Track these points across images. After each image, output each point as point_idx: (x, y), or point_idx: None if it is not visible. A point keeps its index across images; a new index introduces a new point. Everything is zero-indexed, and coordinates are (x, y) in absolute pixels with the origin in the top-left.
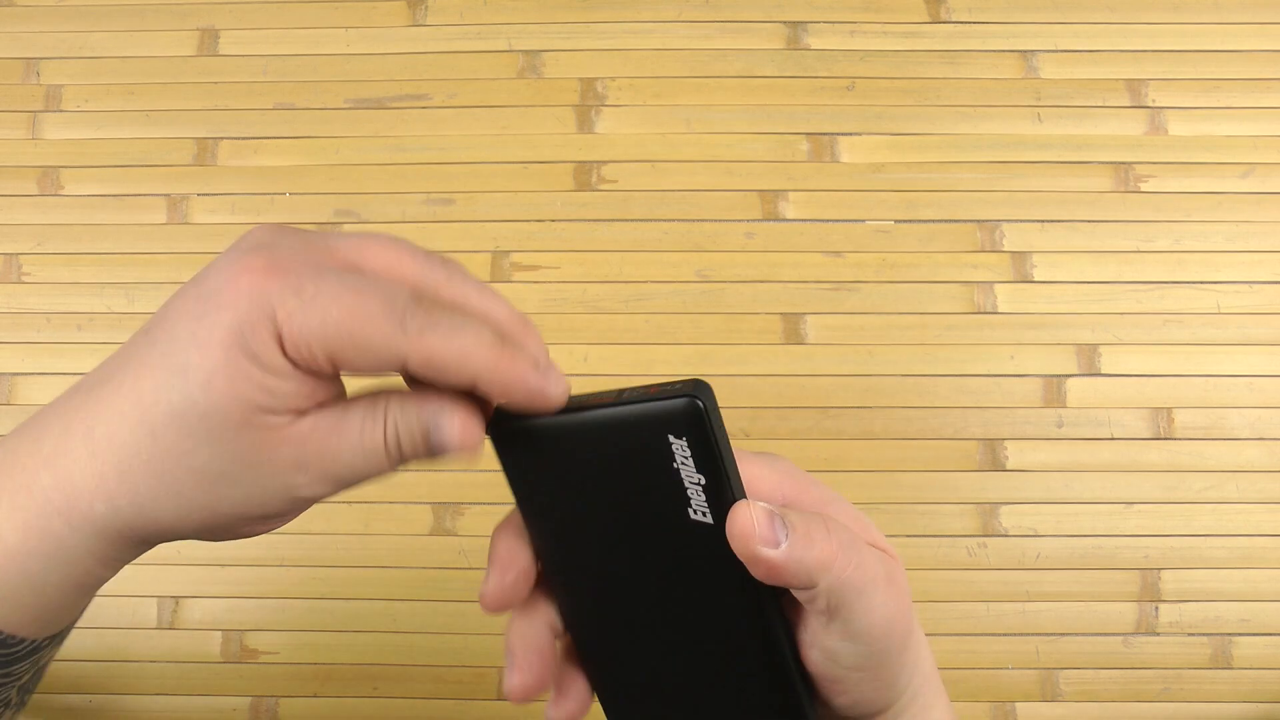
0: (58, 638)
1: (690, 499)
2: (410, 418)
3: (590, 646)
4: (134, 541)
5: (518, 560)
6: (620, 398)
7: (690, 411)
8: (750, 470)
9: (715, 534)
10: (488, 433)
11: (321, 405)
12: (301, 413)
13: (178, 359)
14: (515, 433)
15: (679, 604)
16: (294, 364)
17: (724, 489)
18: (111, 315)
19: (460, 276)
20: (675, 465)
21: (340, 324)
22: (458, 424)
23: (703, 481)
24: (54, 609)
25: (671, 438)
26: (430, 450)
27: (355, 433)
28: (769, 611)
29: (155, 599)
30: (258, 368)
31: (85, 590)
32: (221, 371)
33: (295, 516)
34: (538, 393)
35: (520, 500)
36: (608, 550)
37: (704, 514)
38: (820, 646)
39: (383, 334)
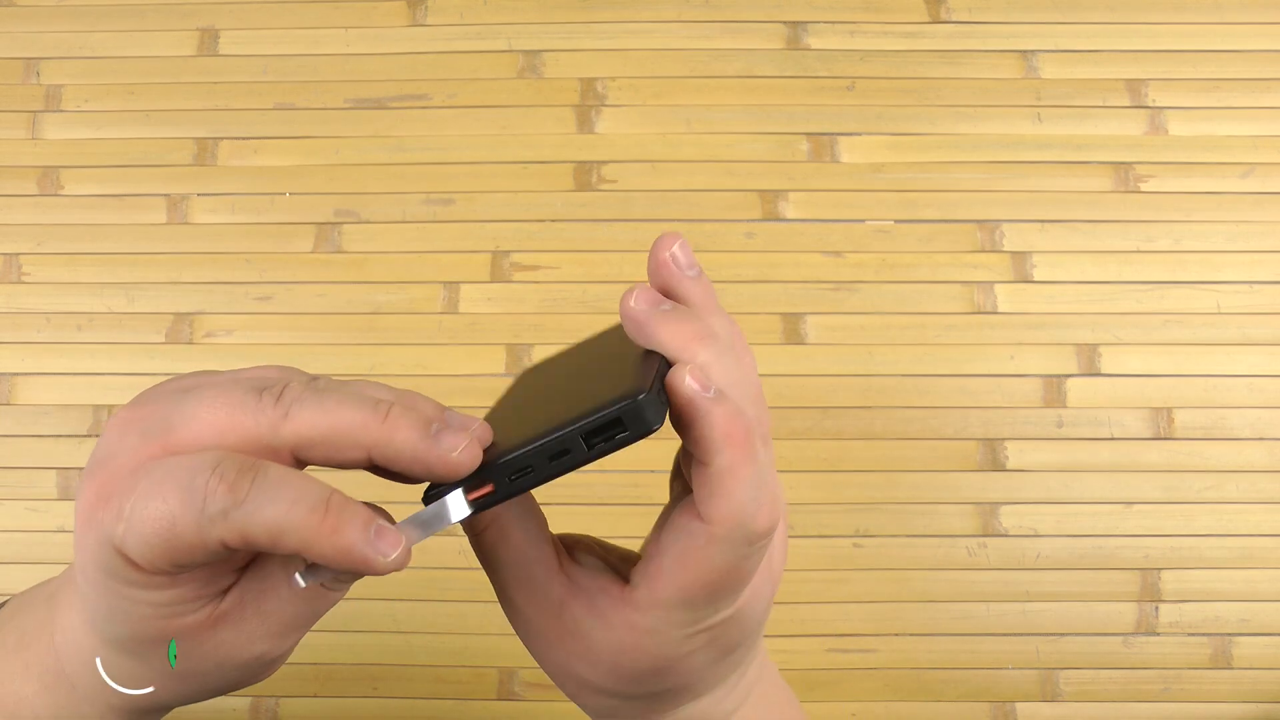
0: None
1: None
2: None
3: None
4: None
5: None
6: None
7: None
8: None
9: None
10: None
11: (238, 574)
12: (218, 595)
13: (82, 595)
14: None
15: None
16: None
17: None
18: (111, 315)
19: (300, 403)
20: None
21: (153, 534)
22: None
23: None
24: None
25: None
26: (330, 585)
27: (285, 584)
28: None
29: None
30: (137, 589)
31: None
32: (118, 605)
33: (281, 663)
34: (362, 561)
35: None
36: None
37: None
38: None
39: (190, 531)
